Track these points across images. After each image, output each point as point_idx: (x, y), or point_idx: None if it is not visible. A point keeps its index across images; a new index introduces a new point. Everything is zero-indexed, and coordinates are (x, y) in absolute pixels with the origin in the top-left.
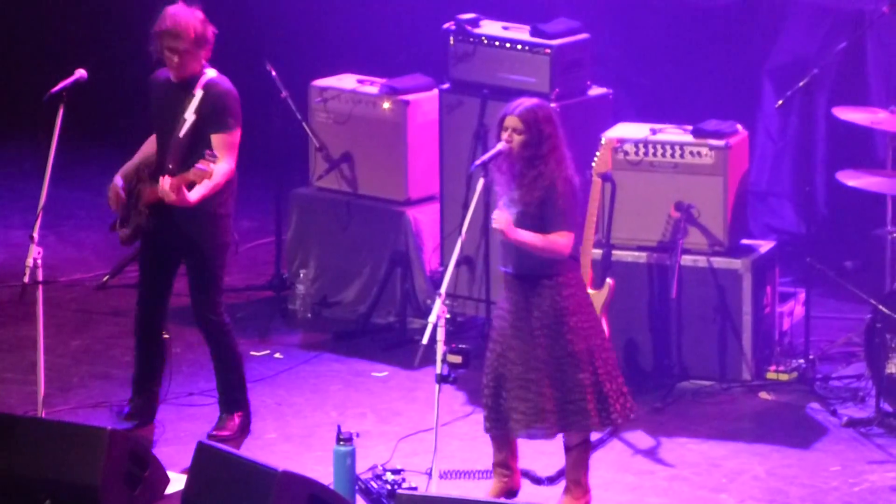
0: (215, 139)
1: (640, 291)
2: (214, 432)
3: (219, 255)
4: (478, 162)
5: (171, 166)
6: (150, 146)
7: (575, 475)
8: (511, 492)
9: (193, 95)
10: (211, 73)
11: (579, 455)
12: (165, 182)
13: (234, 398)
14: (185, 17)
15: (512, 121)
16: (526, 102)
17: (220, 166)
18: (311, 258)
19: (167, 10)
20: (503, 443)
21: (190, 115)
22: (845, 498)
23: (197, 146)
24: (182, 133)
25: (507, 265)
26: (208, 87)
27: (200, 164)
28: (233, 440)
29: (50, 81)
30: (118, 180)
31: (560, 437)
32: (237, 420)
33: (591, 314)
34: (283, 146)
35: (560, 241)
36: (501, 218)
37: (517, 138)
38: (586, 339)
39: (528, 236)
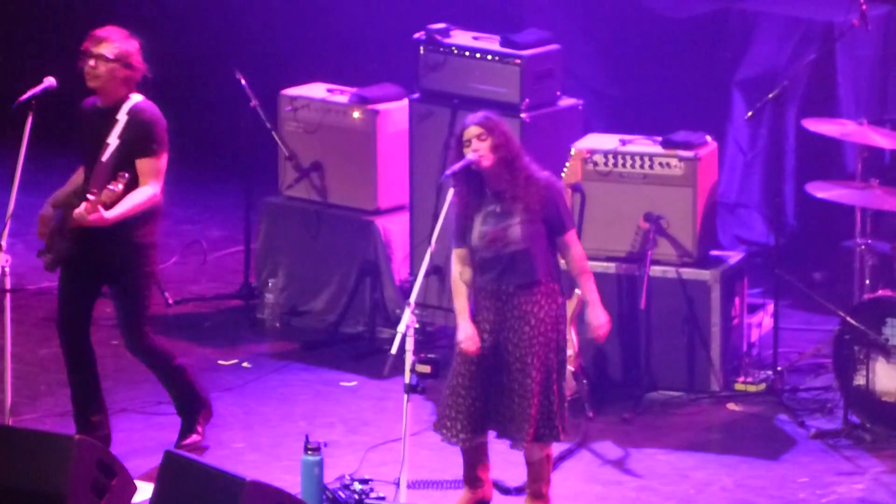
0: (140, 164)
1: (609, 302)
2: (183, 442)
3: (144, 284)
4: (448, 172)
5: (94, 190)
6: (81, 175)
7: (537, 488)
8: (482, 502)
9: (117, 120)
10: (137, 97)
11: (542, 468)
12: (81, 205)
13: (190, 404)
14: (116, 32)
15: (473, 130)
16: (477, 113)
17: (144, 189)
18: (280, 267)
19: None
20: (474, 454)
21: (113, 140)
22: None
23: (120, 170)
24: (105, 157)
25: (503, 276)
26: (133, 112)
27: (111, 185)
28: (202, 443)
29: (19, 89)
30: (48, 209)
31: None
32: (199, 421)
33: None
34: (253, 155)
35: (578, 242)
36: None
37: (484, 144)
38: (558, 352)
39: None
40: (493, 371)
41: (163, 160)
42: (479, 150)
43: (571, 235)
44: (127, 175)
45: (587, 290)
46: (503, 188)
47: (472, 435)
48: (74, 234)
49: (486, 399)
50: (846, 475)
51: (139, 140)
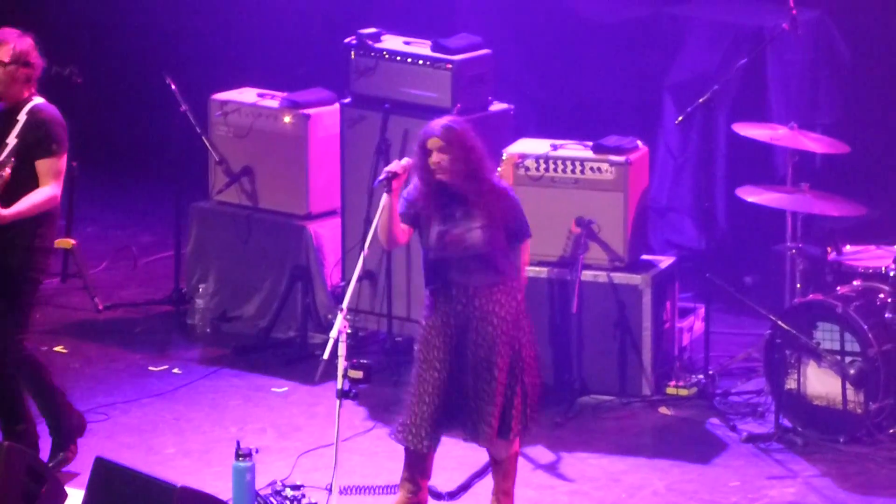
0: (39, 165)
1: (540, 306)
2: (53, 462)
3: (28, 290)
4: (381, 178)
5: None
6: None
7: (505, 486)
8: None
9: (17, 121)
10: (38, 100)
11: (508, 466)
12: None
13: (65, 431)
14: (7, 33)
15: (434, 142)
16: (442, 121)
17: (43, 190)
18: (211, 272)
19: None
20: (420, 459)
21: (11, 140)
22: None
23: (19, 170)
24: (2, 157)
25: (461, 279)
26: (32, 112)
27: None
28: (72, 459)
29: None
30: None
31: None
32: (72, 451)
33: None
34: (183, 160)
35: (528, 251)
36: None
37: (445, 157)
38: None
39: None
40: (457, 373)
41: (62, 161)
42: (439, 164)
43: (527, 244)
44: (14, 160)
45: None
46: (465, 195)
47: (434, 441)
48: None
49: (449, 403)
50: (777, 479)
51: (39, 140)
